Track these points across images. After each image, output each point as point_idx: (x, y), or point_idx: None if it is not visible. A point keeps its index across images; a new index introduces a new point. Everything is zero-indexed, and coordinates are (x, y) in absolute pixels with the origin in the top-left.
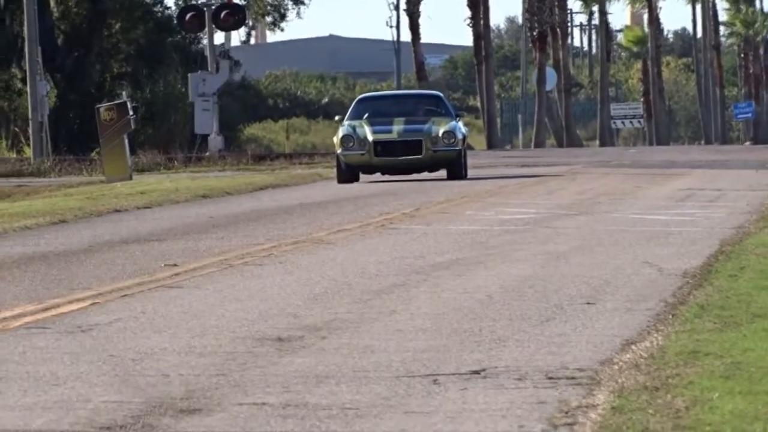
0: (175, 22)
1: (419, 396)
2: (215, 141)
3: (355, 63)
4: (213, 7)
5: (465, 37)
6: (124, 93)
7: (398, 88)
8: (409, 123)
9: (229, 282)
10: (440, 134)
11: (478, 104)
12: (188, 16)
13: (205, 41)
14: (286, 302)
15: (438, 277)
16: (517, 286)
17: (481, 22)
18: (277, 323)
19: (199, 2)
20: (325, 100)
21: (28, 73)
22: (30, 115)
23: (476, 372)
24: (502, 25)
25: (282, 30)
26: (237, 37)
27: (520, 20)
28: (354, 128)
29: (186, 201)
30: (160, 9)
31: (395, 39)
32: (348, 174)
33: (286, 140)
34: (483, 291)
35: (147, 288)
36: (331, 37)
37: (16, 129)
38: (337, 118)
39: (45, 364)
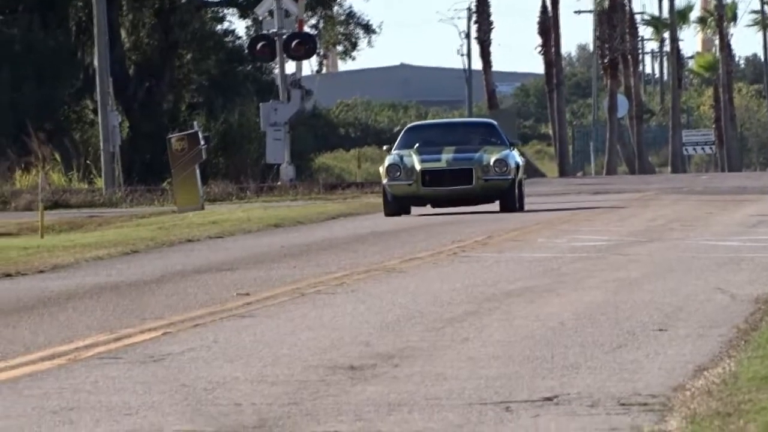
0: (246, 51)
1: (491, 423)
2: (287, 170)
3: (427, 91)
4: (284, 37)
5: (536, 65)
6: (195, 123)
7: (470, 116)
8: (460, 152)
9: (301, 311)
10: (492, 163)
11: (550, 132)
12: (259, 45)
13: (276, 71)
14: (359, 330)
15: (510, 305)
16: (590, 313)
17: (553, 49)
18: (350, 351)
19: (270, 32)
20: (397, 128)
21: (99, 104)
22: (101, 146)
23: (549, 399)
24: (574, 53)
25: (353, 59)
26: (308, 66)
27: (591, 47)
28: (401, 157)
29: (258, 230)
30: (231, 39)
31: (466, 67)
32: (395, 206)
33: (357, 169)
34: (555, 318)
35: (219, 317)
36: (403, 65)
37: (87, 161)
38: (385, 147)
39: (117, 394)
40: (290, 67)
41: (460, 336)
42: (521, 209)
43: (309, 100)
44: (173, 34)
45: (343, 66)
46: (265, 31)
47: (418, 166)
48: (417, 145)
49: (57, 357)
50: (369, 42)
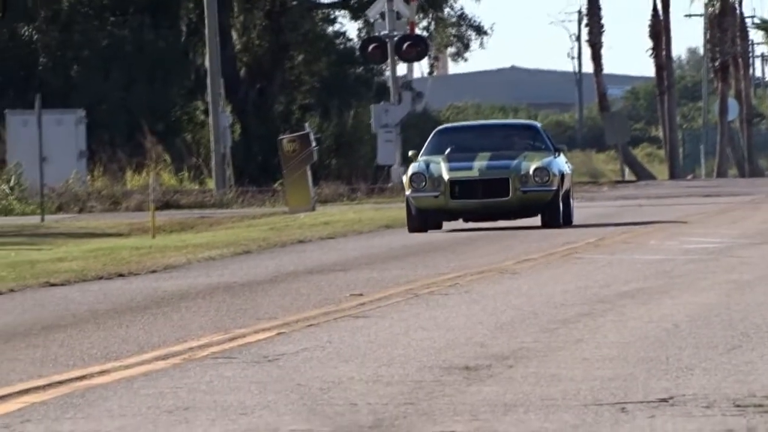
0: (358, 53)
1: (608, 424)
2: (398, 172)
3: (537, 94)
4: (395, 39)
5: (647, 68)
6: (306, 124)
7: (580, 120)
8: (495, 158)
9: (415, 311)
10: (531, 171)
11: (660, 134)
12: (371, 47)
13: (387, 73)
14: (473, 331)
15: (623, 306)
16: (703, 314)
17: (663, 53)
18: (464, 352)
19: (382, 33)
20: None
21: (210, 105)
22: (212, 147)
23: (664, 400)
24: (684, 56)
25: (465, 60)
26: (419, 68)
27: (701, 51)
28: (428, 165)
29: (369, 231)
30: (343, 41)
31: (577, 70)
32: (419, 221)
33: None
34: (669, 320)
35: (333, 318)
36: (513, 68)
37: (199, 161)
38: (410, 153)
39: (232, 393)
40: (401, 69)
41: (574, 337)
42: (568, 224)
43: (420, 102)
44: (284, 35)
45: (454, 68)
46: (376, 33)
47: (446, 176)
48: (448, 150)
49: (171, 357)
50: (481, 44)
